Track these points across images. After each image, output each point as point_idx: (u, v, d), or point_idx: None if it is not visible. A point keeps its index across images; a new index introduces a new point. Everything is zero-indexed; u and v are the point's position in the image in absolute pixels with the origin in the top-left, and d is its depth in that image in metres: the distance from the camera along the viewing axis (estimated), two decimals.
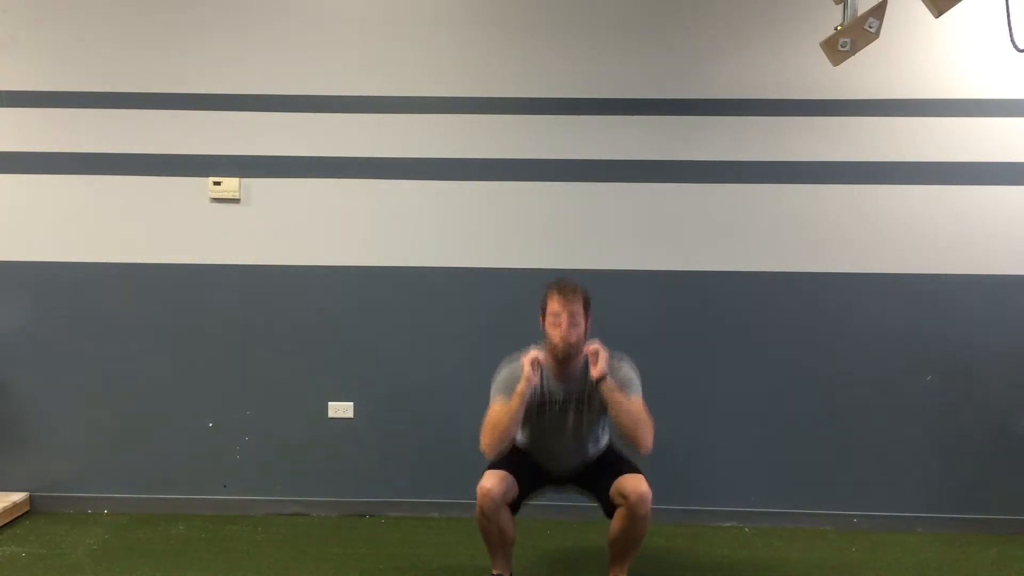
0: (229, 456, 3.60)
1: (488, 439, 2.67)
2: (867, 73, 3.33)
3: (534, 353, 2.69)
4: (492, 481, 2.67)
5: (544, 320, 2.76)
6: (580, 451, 2.85)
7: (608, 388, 2.65)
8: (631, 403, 2.68)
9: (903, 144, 3.43)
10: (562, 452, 2.85)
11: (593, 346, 2.69)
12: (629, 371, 2.77)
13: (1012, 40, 2.63)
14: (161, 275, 3.54)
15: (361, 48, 3.48)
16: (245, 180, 3.52)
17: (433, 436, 3.58)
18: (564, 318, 2.67)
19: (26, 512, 3.57)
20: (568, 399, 2.78)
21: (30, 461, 3.60)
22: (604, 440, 2.92)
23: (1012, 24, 2.65)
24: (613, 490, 2.73)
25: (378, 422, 3.58)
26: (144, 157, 3.51)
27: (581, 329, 2.70)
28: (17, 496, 3.55)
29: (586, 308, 2.73)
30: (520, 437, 2.88)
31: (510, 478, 2.71)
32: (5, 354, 3.56)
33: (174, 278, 3.54)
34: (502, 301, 3.52)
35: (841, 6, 2.75)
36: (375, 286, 3.54)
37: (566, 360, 2.74)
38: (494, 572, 2.84)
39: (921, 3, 2.60)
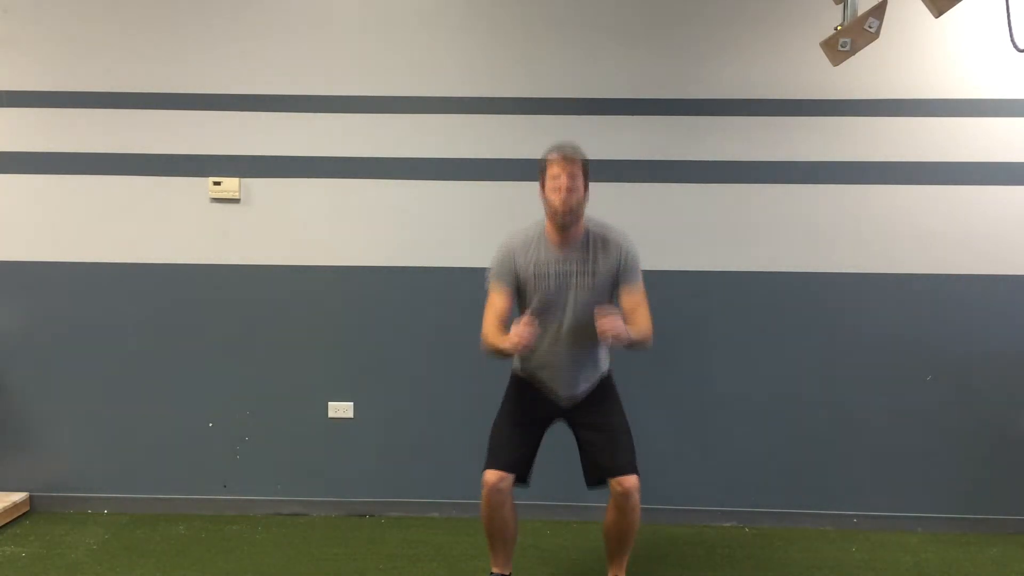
0: (229, 456, 3.60)
1: (487, 346, 2.65)
2: (867, 73, 3.33)
3: (524, 333, 2.48)
4: (496, 476, 2.65)
5: (543, 186, 2.68)
6: (582, 349, 2.70)
7: (629, 341, 2.55)
8: (644, 330, 2.64)
9: (903, 144, 3.43)
10: (563, 349, 2.69)
11: (607, 319, 2.49)
12: (635, 253, 2.72)
13: (1012, 40, 2.64)
14: (161, 275, 3.54)
15: (360, 48, 3.48)
16: (245, 180, 3.52)
17: (433, 436, 3.58)
18: (564, 181, 2.60)
19: (26, 512, 3.58)
20: (568, 270, 2.67)
21: (30, 461, 3.60)
22: (606, 356, 2.79)
23: (1012, 24, 2.66)
24: (604, 475, 2.69)
25: (378, 422, 3.58)
26: (144, 157, 3.51)
27: (581, 192, 2.64)
28: (17, 496, 3.56)
29: (585, 172, 2.67)
30: (518, 356, 2.77)
31: (512, 463, 2.66)
32: (5, 354, 3.56)
33: (174, 278, 3.54)
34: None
35: (841, 6, 2.75)
36: (375, 286, 3.54)
37: (566, 226, 2.66)
38: (494, 571, 2.84)
39: (921, 3, 2.60)
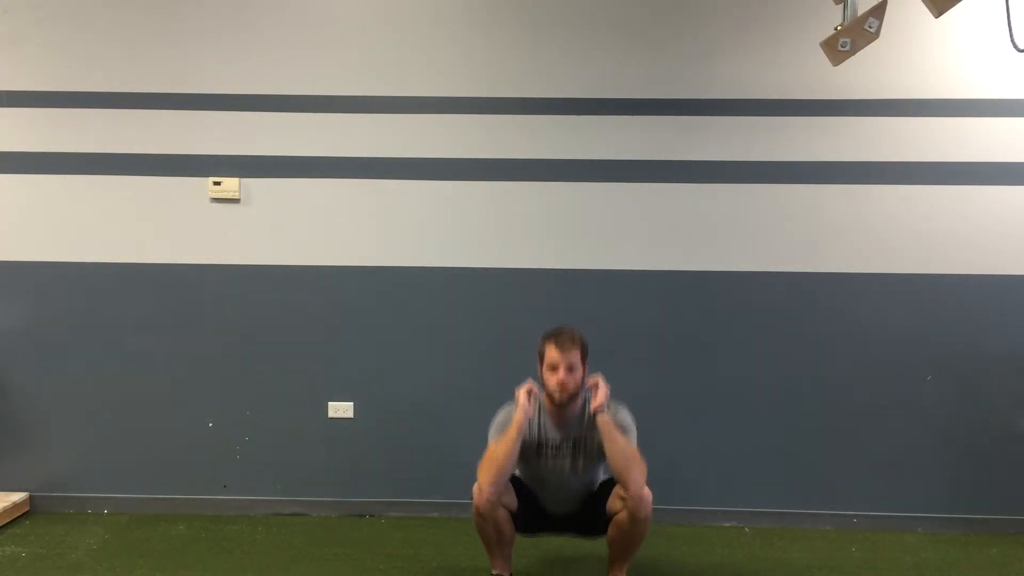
0: (229, 456, 3.60)
1: (487, 475, 2.66)
2: (867, 73, 3.33)
3: (530, 385, 2.74)
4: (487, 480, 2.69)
5: (541, 368, 2.78)
6: (578, 495, 2.87)
7: (604, 421, 2.67)
8: (626, 440, 2.69)
9: (903, 144, 3.43)
10: (560, 496, 2.87)
11: (594, 379, 2.75)
12: (626, 416, 2.78)
13: (1012, 40, 2.63)
14: (161, 275, 3.54)
15: (361, 48, 3.48)
16: (245, 180, 3.52)
17: (433, 436, 3.58)
18: (561, 373, 2.70)
19: (26, 512, 3.58)
20: (566, 442, 2.80)
21: (30, 461, 3.61)
22: (601, 478, 2.91)
23: (1012, 24, 2.65)
24: (612, 495, 2.75)
25: (378, 422, 3.58)
26: (144, 157, 3.51)
27: (579, 375, 2.74)
28: (17, 496, 3.56)
29: (583, 355, 2.76)
30: (518, 474, 2.89)
31: (507, 483, 2.73)
32: (5, 354, 3.56)
33: (174, 278, 3.54)
34: (502, 301, 3.52)
35: (841, 6, 2.75)
36: (375, 286, 3.54)
37: (563, 406, 2.77)
38: (494, 572, 2.85)
39: (921, 3, 2.60)
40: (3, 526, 3.41)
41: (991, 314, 3.46)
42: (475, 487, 2.70)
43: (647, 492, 2.68)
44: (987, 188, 3.43)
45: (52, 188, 3.52)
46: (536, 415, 2.81)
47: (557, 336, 2.74)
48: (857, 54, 2.69)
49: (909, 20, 3.19)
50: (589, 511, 2.85)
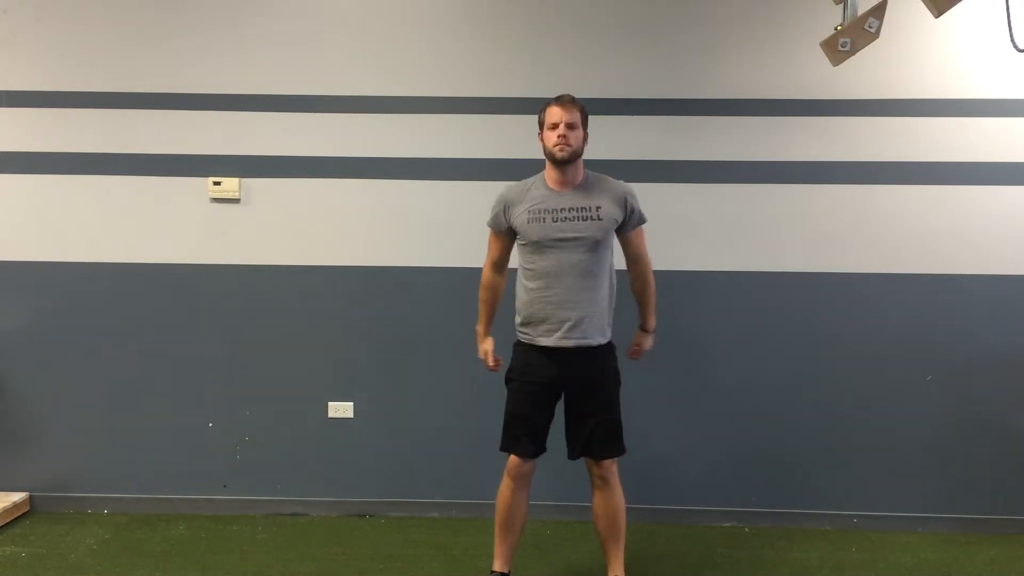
0: (229, 456, 3.60)
1: (480, 293, 2.97)
2: (867, 73, 3.33)
3: (490, 355, 2.93)
4: (519, 461, 2.77)
5: (542, 134, 2.74)
6: (584, 281, 2.71)
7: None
8: (650, 277, 2.95)
9: (903, 144, 3.43)
10: (566, 279, 2.70)
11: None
12: (636, 198, 2.82)
13: (1012, 40, 2.64)
14: (161, 275, 3.54)
15: (362, 48, 3.48)
16: (245, 180, 3.52)
17: (433, 436, 3.58)
18: (562, 125, 2.66)
19: (26, 512, 3.58)
20: (568, 205, 2.72)
21: (30, 461, 3.61)
22: (608, 298, 2.79)
23: (1012, 24, 2.66)
24: (587, 466, 2.81)
25: (378, 422, 3.58)
26: (144, 157, 3.51)
27: (580, 134, 2.70)
28: (17, 496, 3.56)
29: (584, 117, 2.73)
30: (522, 295, 2.80)
31: (534, 448, 2.77)
32: (5, 354, 3.57)
33: (174, 278, 3.54)
34: (501, 301, 3.51)
35: (841, 6, 2.75)
36: (375, 286, 3.54)
37: (565, 168, 2.72)
38: (494, 570, 2.85)
39: (921, 3, 2.60)
40: (3, 526, 3.42)
41: (991, 314, 3.46)
42: (510, 460, 2.78)
43: (608, 464, 2.76)
44: (987, 188, 3.43)
45: (52, 188, 3.52)
46: (535, 186, 2.77)
47: (558, 97, 2.73)
48: (857, 54, 2.69)
49: (909, 20, 3.19)
50: (587, 386, 2.78)
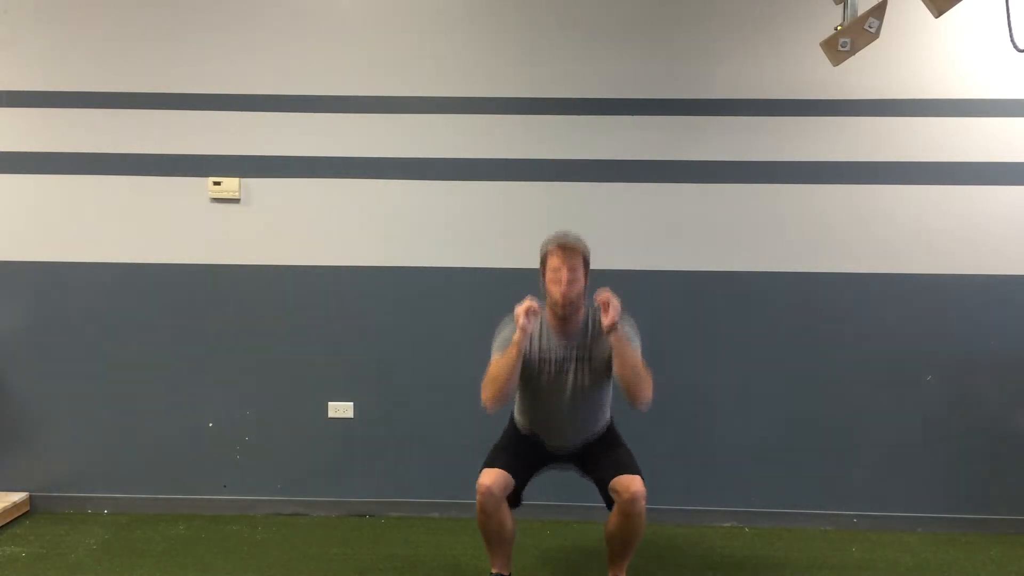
0: (229, 456, 3.60)
1: (489, 392, 2.64)
2: (867, 73, 3.33)
3: (528, 302, 2.62)
4: (491, 478, 2.67)
5: (544, 277, 2.73)
6: (580, 418, 2.78)
7: (618, 338, 2.60)
8: (636, 357, 2.64)
9: (903, 144, 3.43)
10: (562, 418, 2.78)
11: (604, 295, 2.60)
12: (630, 328, 2.75)
13: (1012, 40, 2.64)
14: (161, 275, 3.54)
15: (362, 48, 3.48)
16: (245, 180, 3.52)
17: (433, 436, 3.58)
18: (564, 273, 2.64)
19: (26, 512, 3.58)
20: (568, 356, 2.74)
21: (30, 461, 3.61)
22: (606, 414, 2.86)
23: (1012, 24, 2.66)
24: (609, 487, 2.73)
25: (378, 422, 3.58)
26: (144, 157, 3.51)
27: (581, 284, 2.68)
28: (17, 496, 3.56)
29: (586, 264, 2.71)
30: (518, 413, 2.85)
31: (507, 475, 2.70)
32: (5, 354, 3.56)
33: (174, 278, 3.54)
34: (502, 301, 3.50)
35: (841, 6, 2.76)
36: (375, 286, 3.54)
37: (566, 316, 2.71)
38: (493, 571, 2.84)
39: (921, 3, 2.60)
40: (3, 526, 3.41)
41: (991, 314, 3.46)
42: (478, 484, 2.67)
43: (639, 487, 2.63)
44: (987, 188, 3.43)
45: (52, 188, 3.52)
46: (537, 330, 2.74)
47: (560, 243, 2.68)
48: (857, 54, 2.69)
49: (909, 20, 3.18)
50: (592, 458, 2.79)
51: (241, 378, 3.58)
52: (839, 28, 2.69)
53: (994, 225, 3.43)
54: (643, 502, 2.65)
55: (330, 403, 3.58)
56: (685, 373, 3.52)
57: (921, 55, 3.40)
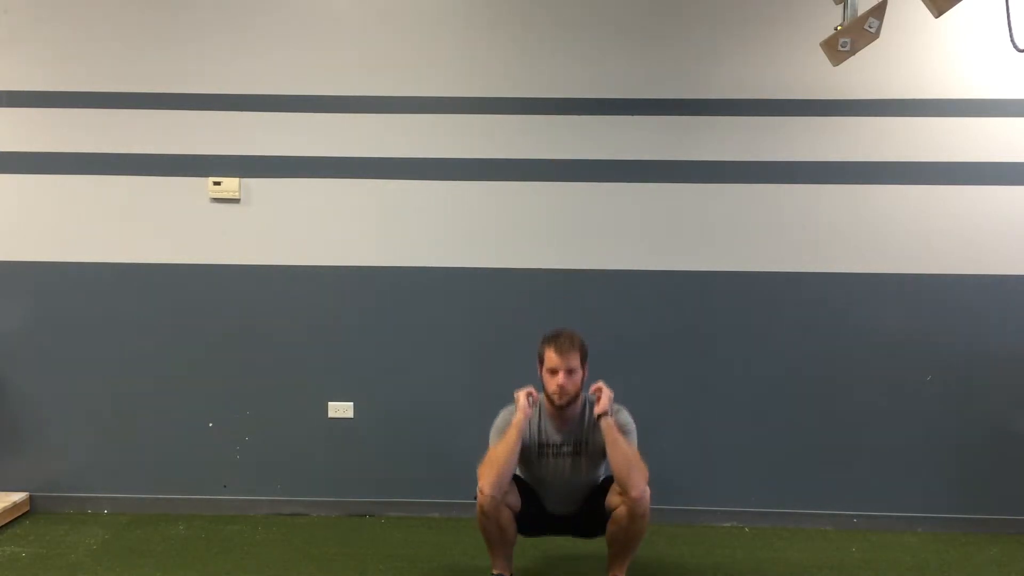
0: (229, 456, 3.60)
1: (489, 477, 2.66)
2: (867, 73, 3.33)
3: (529, 388, 2.77)
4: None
5: (541, 370, 2.79)
6: (579, 494, 2.88)
7: (608, 425, 2.69)
8: (628, 444, 2.71)
9: (903, 144, 3.43)
10: (562, 496, 2.88)
11: (597, 385, 2.76)
12: (627, 419, 2.80)
13: (1012, 40, 2.63)
14: (161, 275, 3.54)
15: (361, 48, 3.48)
16: (245, 180, 3.52)
17: (433, 436, 3.58)
18: (560, 376, 2.72)
19: (26, 512, 3.58)
20: (567, 444, 2.82)
21: (30, 461, 3.60)
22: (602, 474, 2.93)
23: (1012, 24, 2.66)
24: (611, 491, 2.76)
25: (378, 422, 3.58)
26: (144, 157, 3.51)
27: (578, 378, 2.75)
28: (17, 496, 3.56)
29: (583, 358, 2.77)
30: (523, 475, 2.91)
31: (511, 483, 2.74)
32: (5, 354, 3.56)
33: (174, 278, 3.54)
34: (502, 301, 3.52)
35: (841, 6, 2.75)
36: (375, 286, 3.54)
37: (564, 408, 2.78)
38: (494, 572, 2.85)
39: (921, 3, 2.60)
40: (3, 526, 3.41)
41: (991, 314, 3.46)
42: (479, 487, 2.69)
43: (646, 489, 2.69)
44: (987, 188, 3.43)
45: (52, 188, 3.52)
46: (536, 417, 2.82)
47: (557, 339, 2.75)
48: (857, 54, 2.69)
49: (909, 20, 3.18)
50: (589, 510, 2.85)
51: (241, 378, 3.58)
52: (839, 28, 2.69)
53: (994, 225, 3.43)
54: (648, 503, 2.69)
55: (330, 403, 3.58)
56: (685, 373, 3.52)
57: (921, 55, 3.40)
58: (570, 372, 2.72)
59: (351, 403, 3.58)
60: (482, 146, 3.49)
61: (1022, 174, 3.42)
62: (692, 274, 3.50)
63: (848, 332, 3.49)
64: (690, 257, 3.50)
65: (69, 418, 3.59)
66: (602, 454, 2.76)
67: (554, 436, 2.82)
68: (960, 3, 2.56)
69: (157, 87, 3.49)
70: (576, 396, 2.77)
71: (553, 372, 2.72)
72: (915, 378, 3.49)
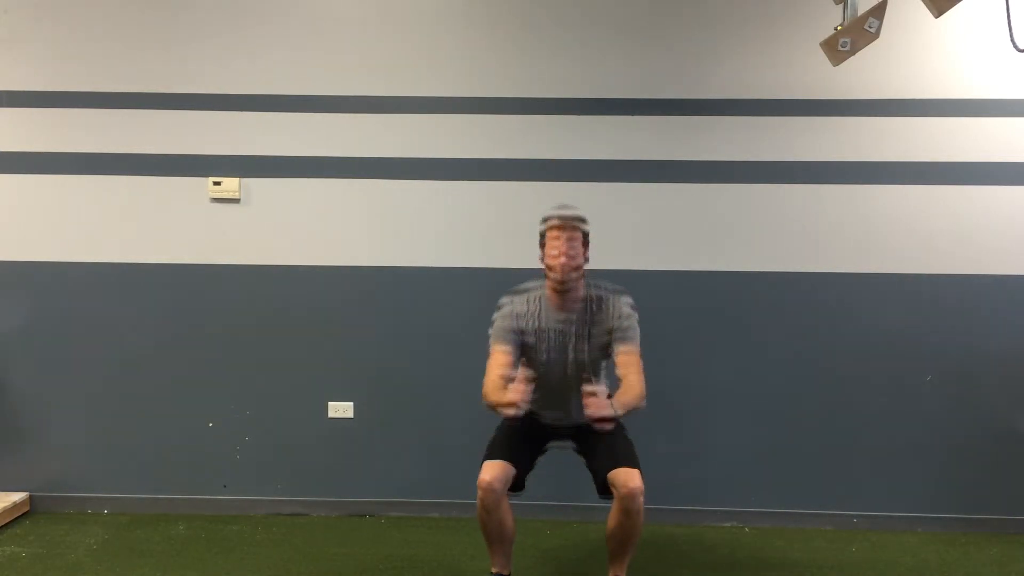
0: (229, 456, 3.60)
1: (488, 402, 2.68)
2: (867, 73, 3.33)
3: (518, 398, 2.58)
4: (491, 473, 2.66)
5: (543, 250, 2.75)
6: (581, 395, 2.72)
7: (612, 418, 2.58)
8: (635, 392, 2.66)
9: (903, 144, 3.43)
10: (562, 394, 2.79)
11: (595, 407, 2.55)
12: (630, 313, 2.77)
13: (1012, 40, 2.64)
14: (161, 275, 3.54)
15: (361, 48, 3.48)
16: (245, 180, 3.52)
17: (433, 436, 3.58)
18: (563, 246, 2.67)
19: (26, 512, 3.58)
20: (568, 332, 2.76)
21: (30, 461, 3.60)
22: (604, 391, 2.84)
23: (1012, 24, 2.66)
24: (608, 478, 2.70)
25: (378, 422, 3.58)
26: (144, 157, 3.51)
27: (580, 258, 2.71)
28: (17, 496, 3.56)
29: (585, 238, 2.73)
30: (524, 377, 2.78)
31: (509, 467, 2.69)
32: (5, 354, 3.56)
33: (174, 278, 3.54)
34: None
35: (841, 6, 2.75)
36: (375, 286, 3.54)
37: (565, 290, 2.73)
38: (493, 571, 2.84)
39: (921, 3, 2.60)
40: (3, 526, 3.41)
41: (991, 314, 3.46)
42: (479, 481, 2.66)
43: (638, 483, 2.62)
44: (987, 188, 3.43)
45: (52, 188, 3.52)
46: (537, 308, 2.77)
47: (559, 217, 2.72)
48: (857, 54, 2.69)
49: (909, 20, 3.18)
50: (590, 440, 2.77)
51: (241, 378, 3.58)
52: (839, 28, 2.69)
53: (994, 225, 3.43)
54: (641, 498, 2.64)
55: (330, 403, 3.58)
56: (685, 373, 3.52)
57: (921, 55, 3.40)
58: (572, 249, 2.67)
59: (351, 403, 3.58)
60: (482, 146, 3.49)
61: (1022, 174, 3.42)
62: (692, 274, 3.50)
63: (848, 332, 3.49)
64: (690, 257, 3.50)
65: (69, 418, 3.59)
66: (605, 348, 2.74)
67: (555, 321, 2.76)
68: (960, 3, 2.56)
69: (157, 87, 3.49)
70: (578, 278, 2.72)
71: (555, 250, 2.68)
72: (915, 378, 3.49)
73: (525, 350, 2.77)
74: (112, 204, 3.53)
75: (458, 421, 3.53)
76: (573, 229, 2.70)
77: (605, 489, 2.72)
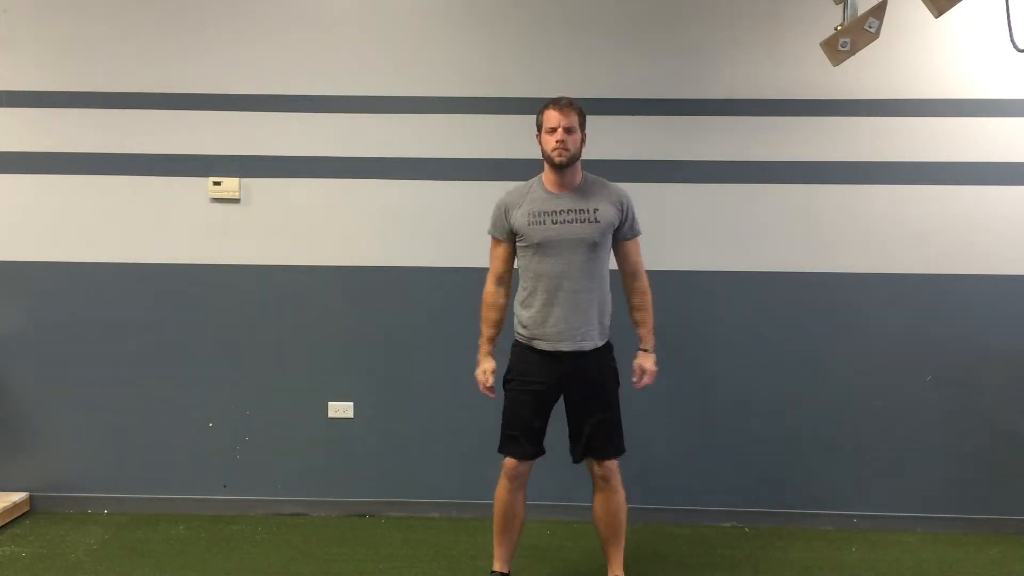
0: (229, 456, 3.60)
1: (483, 308, 2.92)
2: (867, 73, 3.33)
3: (489, 376, 2.87)
4: (516, 460, 2.77)
5: (540, 137, 2.75)
6: (583, 289, 2.73)
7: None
8: (649, 301, 2.91)
9: (903, 144, 3.43)
10: (564, 290, 2.72)
11: (651, 369, 2.90)
12: (633, 205, 2.82)
13: (1012, 40, 2.64)
14: (161, 275, 3.54)
15: (361, 48, 3.48)
16: (245, 180, 3.52)
17: (433, 436, 3.58)
18: (560, 129, 2.68)
19: (26, 512, 3.58)
20: (567, 208, 2.74)
21: (30, 461, 3.61)
22: (607, 306, 2.81)
23: (1012, 24, 2.66)
24: (585, 462, 2.81)
25: (378, 422, 3.58)
26: (144, 157, 3.51)
27: (577, 137, 2.72)
28: (17, 496, 3.56)
29: (582, 120, 2.74)
30: (520, 306, 2.81)
31: (531, 449, 2.78)
32: (5, 354, 3.56)
33: (174, 278, 3.54)
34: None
35: (841, 6, 2.76)
36: (375, 286, 3.54)
37: (564, 171, 2.74)
38: (494, 570, 2.85)
39: (921, 3, 2.60)
40: (3, 526, 3.42)
41: (991, 314, 3.46)
42: (506, 462, 2.78)
43: (610, 464, 2.76)
44: (987, 188, 3.43)
45: (52, 188, 3.52)
46: (533, 189, 2.79)
47: (555, 101, 2.74)
48: (857, 54, 2.69)
49: (909, 20, 3.18)
50: (582, 386, 2.77)
51: (241, 378, 3.58)
52: (839, 28, 2.69)
53: (994, 225, 3.43)
54: (617, 477, 2.77)
55: (330, 403, 3.58)
56: (685, 373, 3.52)
57: (921, 55, 3.40)
58: (569, 130, 2.68)
59: (351, 403, 3.58)
60: (483, 146, 3.49)
61: (1022, 174, 3.42)
62: (692, 274, 3.50)
63: (848, 332, 3.49)
64: (690, 257, 3.50)
65: (69, 418, 3.59)
66: (608, 230, 2.75)
67: (554, 201, 2.75)
68: (960, 3, 2.56)
69: (157, 87, 3.49)
70: (576, 157, 2.73)
71: (552, 130, 2.69)
72: (915, 378, 3.49)
73: (523, 236, 2.75)
74: (112, 204, 3.53)
75: (458, 421, 3.53)
76: (570, 109, 2.71)
77: (579, 459, 2.81)
